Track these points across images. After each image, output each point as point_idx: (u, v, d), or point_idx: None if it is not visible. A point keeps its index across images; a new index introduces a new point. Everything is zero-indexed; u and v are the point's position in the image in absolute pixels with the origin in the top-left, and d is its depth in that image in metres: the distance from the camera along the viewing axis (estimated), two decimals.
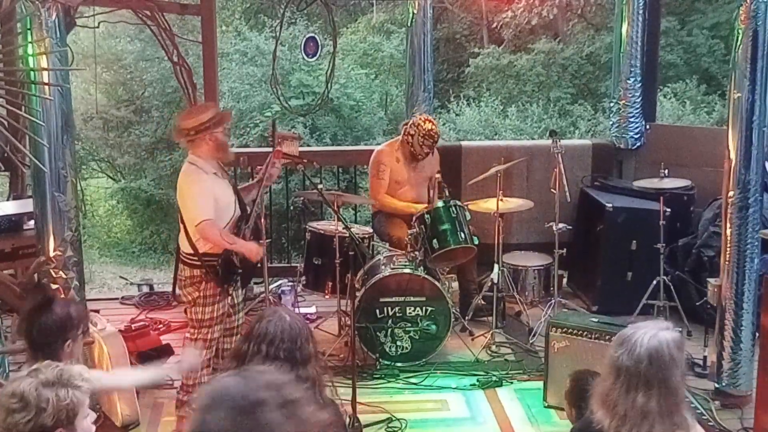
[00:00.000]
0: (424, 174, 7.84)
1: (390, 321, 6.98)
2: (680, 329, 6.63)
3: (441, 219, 7.22)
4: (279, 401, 2.48)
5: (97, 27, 7.93)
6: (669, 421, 3.47)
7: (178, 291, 6.30)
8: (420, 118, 7.74)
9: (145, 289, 8.84)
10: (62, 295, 5.74)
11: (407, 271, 7.04)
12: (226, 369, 3.60)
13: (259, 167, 6.41)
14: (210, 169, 5.83)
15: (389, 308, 6.98)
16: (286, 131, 12.41)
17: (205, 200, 5.74)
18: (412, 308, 7.00)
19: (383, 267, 7.12)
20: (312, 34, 10.49)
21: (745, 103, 5.88)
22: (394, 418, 6.20)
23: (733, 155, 5.98)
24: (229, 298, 5.98)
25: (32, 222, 6.58)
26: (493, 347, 7.29)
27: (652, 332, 3.50)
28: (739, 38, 5.87)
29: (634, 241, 7.81)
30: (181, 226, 5.92)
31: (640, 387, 3.46)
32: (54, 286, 5.78)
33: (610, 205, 7.88)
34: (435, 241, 7.19)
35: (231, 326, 6.15)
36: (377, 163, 7.81)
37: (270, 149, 6.49)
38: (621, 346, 3.54)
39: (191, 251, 5.83)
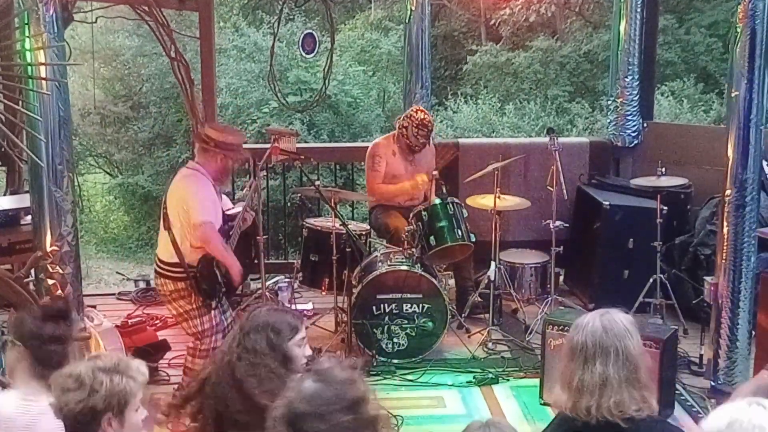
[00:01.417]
0: (420, 169, 7.84)
1: (386, 318, 6.98)
2: (676, 327, 6.68)
3: (438, 216, 7.22)
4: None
5: (95, 22, 7.91)
6: (631, 392, 3.50)
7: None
8: (412, 109, 7.77)
9: (142, 284, 8.83)
10: (59, 290, 5.74)
11: (404, 268, 7.04)
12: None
13: (247, 189, 6.50)
14: (210, 180, 5.88)
15: (386, 305, 6.98)
16: (284, 128, 12.41)
17: (211, 203, 5.80)
18: (409, 305, 7.00)
19: (380, 264, 7.12)
20: (310, 31, 10.48)
21: (743, 102, 5.88)
22: (390, 415, 6.19)
23: (730, 154, 5.99)
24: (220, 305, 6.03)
25: (29, 217, 6.56)
26: (490, 344, 7.29)
27: (603, 311, 3.62)
28: (737, 37, 5.87)
29: (631, 239, 7.81)
30: (166, 234, 5.90)
31: (597, 356, 3.54)
32: (51, 281, 5.77)
33: (607, 203, 7.88)
34: (432, 238, 7.18)
35: (221, 326, 6.17)
36: (373, 155, 7.81)
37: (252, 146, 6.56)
38: (575, 329, 3.65)
39: (173, 260, 5.82)
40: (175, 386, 6.31)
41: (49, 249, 5.76)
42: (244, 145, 6.43)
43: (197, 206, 5.77)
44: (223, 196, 6.33)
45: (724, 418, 2.81)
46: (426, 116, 7.65)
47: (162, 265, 5.94)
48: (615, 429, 3.51)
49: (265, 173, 8.32)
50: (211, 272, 5.84)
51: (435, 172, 7.66)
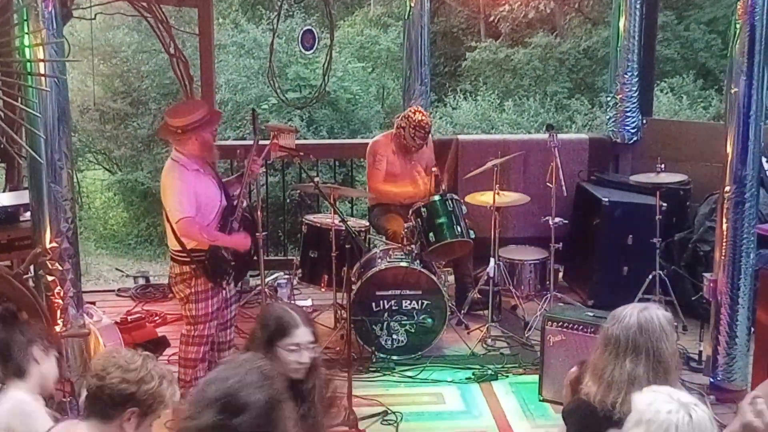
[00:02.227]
0: (420, 165, 7.84)
1: (386, 314, 6.99)
2: (676, 324, 6.68)
3: (437, 212, 7.22)
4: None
5: (94, 19, 7.90)
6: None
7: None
8: (410, 110, 7.75)
9: (141, 281, 8.85)
10: (58, 287, 5.75)
11: (403, 264, 7.05)
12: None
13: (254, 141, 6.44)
14: (193, 166, 5.84)
15: (385, 301, 6.98)
16: (283, 124, 12.40)
17: (186, 197, 5.75)
18: (408, 302, 7.00)
19: (379, 260, 7.12)
20: (309, 27, 10.46)
21: (742, 98, 5.88)
22: (389, 411, 6.20)
23: (729, 150, 5.99)
24: (223, 292, 5.99)
25: (28, 213, 6.56)
26: (489, 341, 7.30)
27: (642, 306, 3.62)
28: (737, 33, 5.87)
29: (630, 236, 7.81)
30: (167, 223, 5.94)
31: (628, 353, 3.54)
32: (50, 278, 5.77)
33: (607, 199, 7.88)
34: (431, 234, 7.19)
35: (224, 320, 6.17)
36: (373, 153, 7.81)
37: (250, 143, 6.51)
38: (612, 319, 3.66)
39: (179, 248, 5.85)
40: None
41: (48, 245, 5.76)
42: (241, 140, 6.41)
43: (173, 204, 5.78)
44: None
45: (648, 410, 2.89)
46: (424, 117, 7.63)
47: (171, 250, 6.00)
48: None
49: (265, 170, 8.32)
50: (220, 256, 5.87)
51: (434, 169, 7.66)
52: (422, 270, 7.03)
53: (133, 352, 3.41)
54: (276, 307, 4.13)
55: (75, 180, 6.28)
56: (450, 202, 7.29)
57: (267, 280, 8.16)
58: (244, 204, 6.13)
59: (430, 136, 7.93)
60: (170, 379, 3.40)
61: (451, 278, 8.01)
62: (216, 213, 5.91)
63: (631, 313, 3.64)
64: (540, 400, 6.29)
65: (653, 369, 3.54)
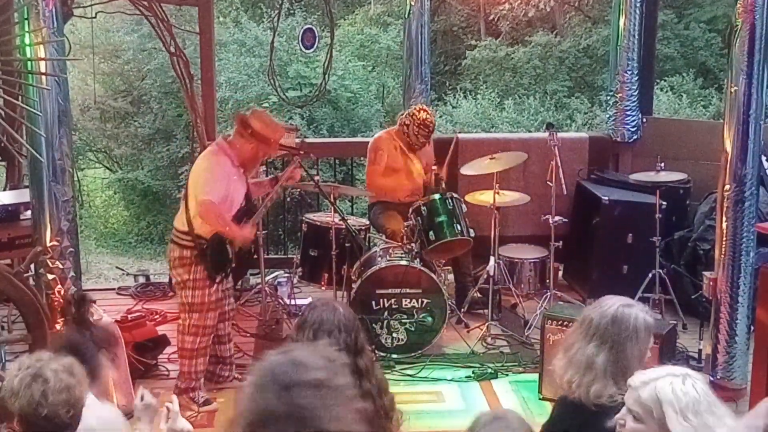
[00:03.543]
0: (420, 163, 7.84)
1: (386, 313, 6.99)
2: (675, 322, 6.69)
3: (437, 211, 7.23)
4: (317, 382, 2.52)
5: (95, 17, 7.91)
6: (612, 386, 3.55)
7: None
8: (415, 108, 7.74)
9: (142, 279, 8.85)
10: (59, 285, 5.76)
11: (403, 263, 7.05)
12: None
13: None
14: (236, 161, 5.93)
15: (385, 300, 6.99)
16: (283, 123, 12.40)
17: (221, 185, 5.85)
18: (408, 300, 7.01)
19: (379, 259, 7.12)
20: (309, 26, 10.48)
21: (742, 97, 5.88)
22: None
23: (729, 149, 5.99)
24: (222, 283, 6.04)
25: (29, 212, 6.58)
26: (489, 339, 7.30)
27: (628, 303, 3.69)
28: (737, 32, 5.87)
29: (630, 234, 7.81)
30: (183, 203, 6.00)
31: (595, 338, 3.62)
32: (50, 276, 5.78)
33: (607, 198, 7.88)
34: (431, 233, 7.19)
35: (223, 311, 6.20)
36: (375, 149, 7.81)
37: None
38: (596, 303, 3.78)
39: (185, 229, 5.90)
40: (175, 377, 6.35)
41: (48, 244, 5.78)
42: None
43: (204, 184, 5.85)
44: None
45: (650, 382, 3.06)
46: (428, 116, 7.64)
47: (175, 232, 6.03)
48: (586, 411, 3.60)
49: (264, 168, 8.33)
50: (223, 248, 5.91)
51: (435, 167, 7.66)
52: (422, 268, 7.03)
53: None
54: (339, 311, 4.00)
55: (75, 178, 6.30)
56: (450, 200, 7.29)
57: (267, 278, 8.16)
58: (267, 206, 6.25)
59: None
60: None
61: (451, 277, 8.00)
62: (236, 211, 5.99)
63: (613, 304, 3.71)
64: (540, 399, 6.30)
65: (612, 363, 3.59)
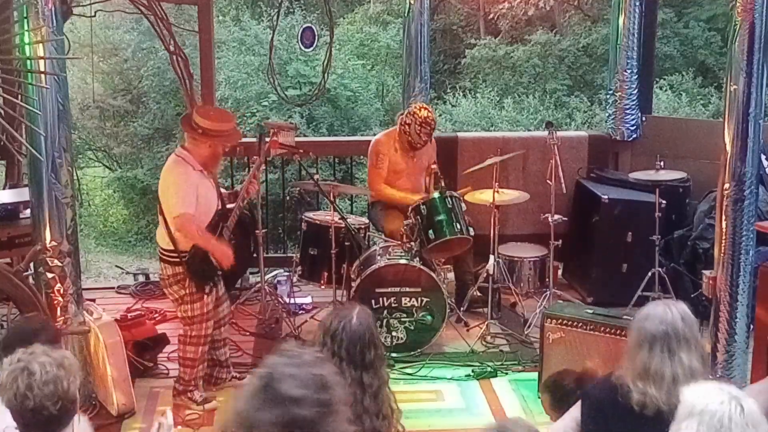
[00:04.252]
0: (422, 164, 7.82)
1: (385, 311, 6.99)
2: None
3: (437, 210, 7.22)
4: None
5: (94, 16, 7.90)
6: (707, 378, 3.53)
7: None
8: (416, 107, 7.70)
9: (141, 278, 8.85)
10: (58, 284, 5.76)
11: (403, 261, 7.05)
12: None
13: (255, 157, 6.46)
14: (197, 166, 5.89)
15: (385, 299, 6.99)
16: (283, 122, 12.42)
17: (190, 194, 5.81)
18: (408, 299, 7.01)
19: (379, 257, 7.12)
20: (309, 24, 10.48)
21: (742, 96, 5.86)
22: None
23: (728, 147, 5.97)
24: (215, 290, 6.04)
25: (28, 211, 6.58)
26: (489, 338, 7.30)
27: (671, 302, 3.69)
28: (736, 30, 5.85)
29: (630, 233, 7.81)
30: (161, 220, 5.96)
31: (681, 347, 3.52)
32: (50, 275, 5.78)
33: (606, 196, 7.88)
34: (431, 231, 7.18)
35: (218, 317, 6.20)
36: (375, 153, 7.78)
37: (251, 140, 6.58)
38: (646, 319, 3.62)
39: (170, 247, 5.89)
40: (174, 379, 6.35)
41: (48, 243, 5.77)
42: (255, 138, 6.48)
43: (175, 199, 5.83)
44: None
45: (699, 402, 2.93)
46: (429, 114, 7.60)
47: (161, 251, 6.03)
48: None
49: (264, 167, 8.32)
50: (204, 258, 5.90)
51: (434, 166, 7.65)
52: (422, 267, 7.03)
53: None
54: (351, 320, 3.96)
55: (75, 177, 6.29)
56: (450, 199, 7.28)
57: (267, 277, 8.16)
58: (235, 218, 6.17)
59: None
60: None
61: (451, 275, 8.00)
62: (212, 215, 5.97)
63: (664, 309, 3.64)
64: (539, 397, 6.29)
65: (701, 357, 3.57)
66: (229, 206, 6.35)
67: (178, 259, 5.89)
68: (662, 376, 3.58)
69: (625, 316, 5.97)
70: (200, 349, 6.07)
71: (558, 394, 4.58)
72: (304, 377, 2.69)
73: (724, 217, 6.06)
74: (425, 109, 7.65)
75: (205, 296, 5.97)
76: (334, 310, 3.99)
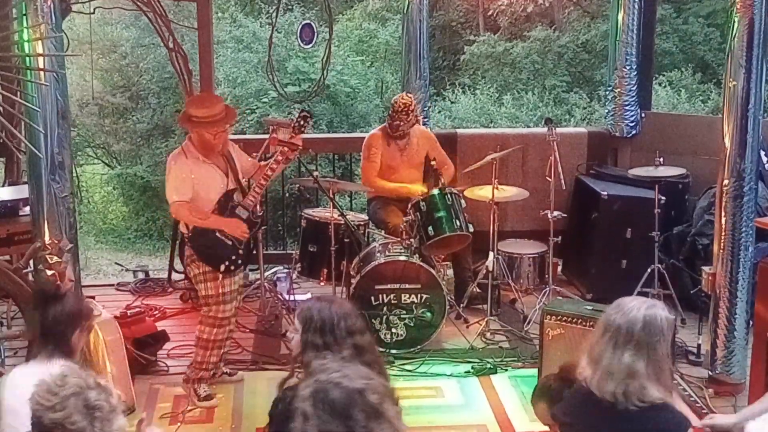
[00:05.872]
0: (415, 158, 7.84)
1: (385, 308, 6.99)
2: (674, 317, 6.69)
3: (436, 206, 7.22)
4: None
5: (93, 13, 7.91)
6: (657, 386, 3.56)
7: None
8: (396, 97, 7.83)
9: (141, 275, 8.85)
10: (58, 282, 5.76)
11: (402, 258, 7.05)
12: None
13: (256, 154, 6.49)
14: (194, 154, 5.97)
15: (384, 295, 6.98)
16: (282, 118, 12.40)
17: (180, 182, 5.95)
18: (408, 295, 7.00)
19: (378, 254, 7.12)
20: (308, 21, 10.48)
21: (741, 92, 5.87)
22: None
23: (728, 144, 5.99)
24: (235, 277, 6.11)
25: (28, 208, 6.58)
26: (488, 334, 7.30)
27: (650, 304, 3.67)
28: (735, 26, 5.86)
29: (629, 229, 7.81)
30: None
31: (628, 347, 3.59)
32: (49, 273, 5.78)
33: (605, 193, 7.88)
34: (430, 228, 7.18)
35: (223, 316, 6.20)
36: (368, 147, 7.84)
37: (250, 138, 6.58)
38: (617, 308, 3.69)
39: (184, 230, 6.11)
40: (182, 375, 6.35)
41: (47, 240, 5.77)
42: (241, 134, 6.48)
43: (169, 187, 6.02)
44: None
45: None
46: (404, 100, 7.68)
47: (182, 233, 6.27)
48: (635, 414, 3.58)
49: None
50: (207, 237, 6.00)
51: (433, 162, 7.66)
52: (421, 264, 7.03)
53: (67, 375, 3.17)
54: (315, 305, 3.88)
55: (74, 174, 6.30)
56: (449, 195, 7.28)
57: (266, 274, 8.16)
58: (256, 197, 6.19)
59: (421, 124, 7.99)
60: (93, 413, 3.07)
61: (450, 272, 8.00)
62: (219, 197, 6.03)
63: (637, 307, 3.65)
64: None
65: (651, 366, 3.58)
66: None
67: (189, 241, 6.09)
68: (599, 362, 3.64)
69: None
70: (215, 331, 6.09)
71: (551, 397, 4.56)
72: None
73: (723, 213, 6.07)
74: (402, 97, 7.73)
75: (221, 276, 5.99)
76: (307, 303, 3.93)
